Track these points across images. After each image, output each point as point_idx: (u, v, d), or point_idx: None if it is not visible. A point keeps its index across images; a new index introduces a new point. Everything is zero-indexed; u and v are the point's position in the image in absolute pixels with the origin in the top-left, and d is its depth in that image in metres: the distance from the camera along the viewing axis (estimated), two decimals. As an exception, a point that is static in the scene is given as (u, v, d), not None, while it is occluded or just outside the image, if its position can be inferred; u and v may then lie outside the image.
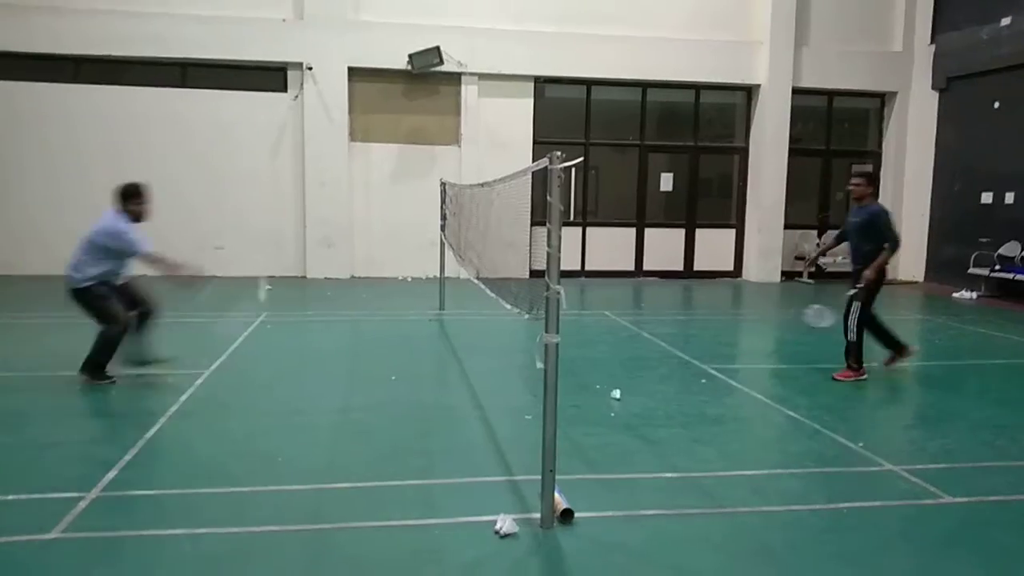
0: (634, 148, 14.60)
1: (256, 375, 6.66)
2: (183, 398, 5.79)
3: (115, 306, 6.15)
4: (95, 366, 6.11)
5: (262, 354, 7.46)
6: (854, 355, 6.78)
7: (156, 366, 6.38)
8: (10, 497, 3.93)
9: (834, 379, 6.73)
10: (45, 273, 12.47)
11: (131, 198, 6.24)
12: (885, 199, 15.11)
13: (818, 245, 6.93)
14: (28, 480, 4.17)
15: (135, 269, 6.44)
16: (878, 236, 6.65)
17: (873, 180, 7.05)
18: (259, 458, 4.62)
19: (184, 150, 12.99)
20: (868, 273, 6.58)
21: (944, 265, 14.07)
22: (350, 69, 13.10)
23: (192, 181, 13.01)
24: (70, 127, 12.69)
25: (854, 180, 7.02)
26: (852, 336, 6.77)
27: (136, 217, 6.30)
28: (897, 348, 7.04)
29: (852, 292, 6.74)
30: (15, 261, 12.54)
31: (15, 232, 12.65)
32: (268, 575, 3.24)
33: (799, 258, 14.90)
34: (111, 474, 4.24)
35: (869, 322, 6.90)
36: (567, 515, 3.75)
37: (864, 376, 6.76)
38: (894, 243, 6.67)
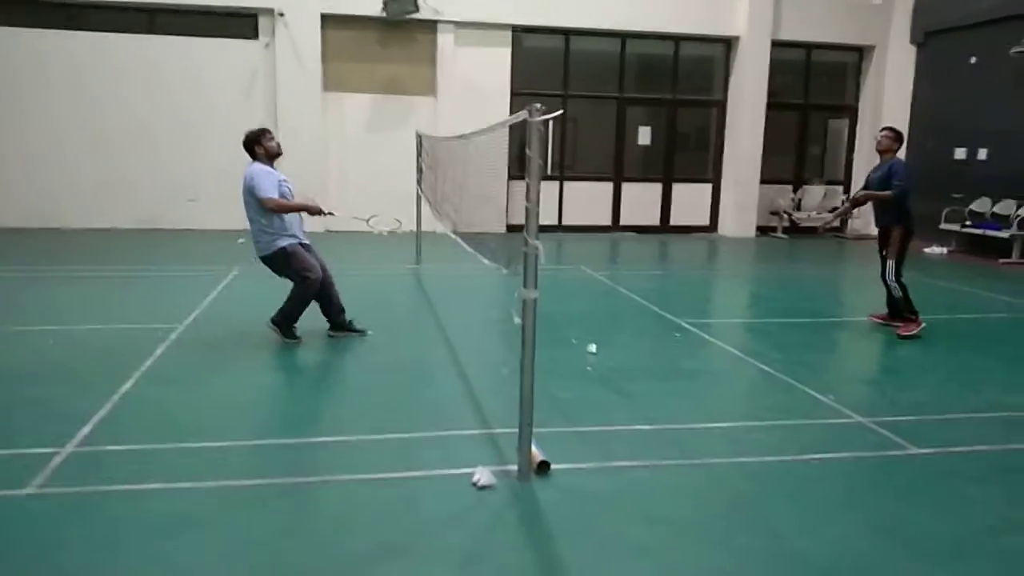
0: (612, 101, 14.47)
1: (231, 329, 6.60)
2: (158, 352, 5.74)
3: (307, 261, 6.07)
4: (286, 321, 6.09)
5: (236, 308, 7.39)
6: (907, 307, 6.87)
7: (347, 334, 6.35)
8: (-17, 452, 3.90)
9: (900, 336, 6.77)
10: (14, 226, 12.22)
11: (254, 143, 6.12)
12: (860, 154, 15.26)
13: (844, 202, 7.04)
14: (1, 437, 4.13)
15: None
16: (891, 185, 6.76)
17: (900, 137, 7.06)
18: (236, 413, 4.62)
19: (153, 98, 12.66)
20: (857, 194, 6.93)
21: (916, 220, 14.21)
22: (323, 16, 12.77)
23: (162, 131, 12.72)
24: (36, 74, 12.30)
25: (882, 132, 7.04)
26: (897, 292, 6.87)
27: (270, 156, 6.15)
28: (901, 315, 6.96)
29: (883, 253, 6.97)
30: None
31: (-21, 183, 12.34)
32: (247, 527, 3.26)
33: (774, 213, 15.00)
34: (85, 429, 4.22)
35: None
36: (544, 467, 3.80)
37: (923, 325, 6.81)
38: (900, 189, 6.71)
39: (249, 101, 12.95)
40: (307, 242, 6.25)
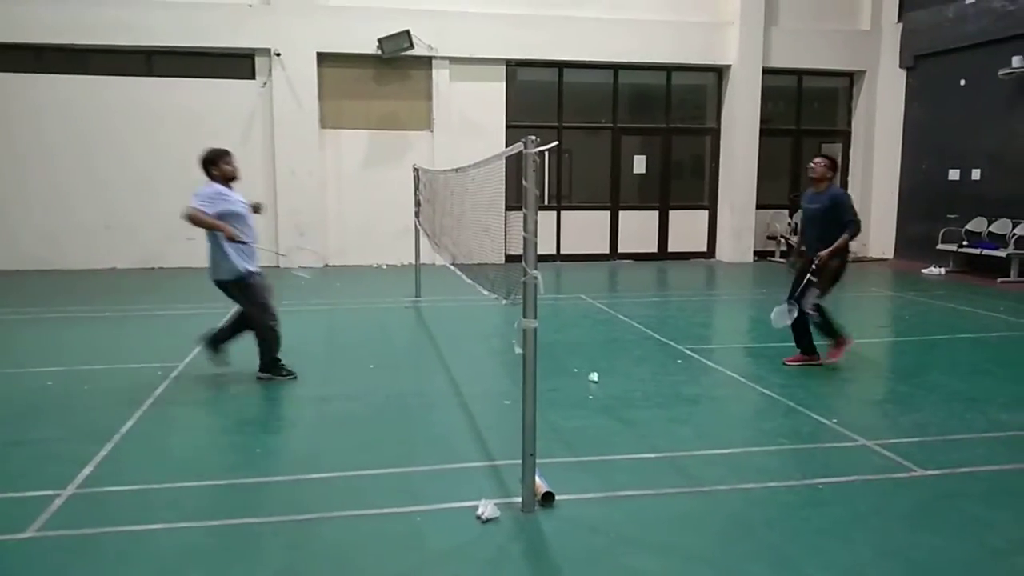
0: (607, 131, 14.61)
1: (231, 367, 6.59)
2: (158, 391, 5.73)
3: (263, 294, 6.03)
4: (272, 364, 6.07)
5: (238, 345, 7.37)
6: (829, 331, 6.59)
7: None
8: (-17, 497, 3.87)
9: (828, 360, 6.53)
10: (11, 268, 12.25)
11: (211, 163, 6.08)
12: (855, 177, 15.35)
13: (810, 274, 6.40)
14: (4, 480, 4.10)
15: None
16: (840, 221, 6.34)
17: (835, 166, 6.60)
18: (236, 450, 4.59)
19: (151, 140, 12.76)
20: (824, 254, 6.29)
21: (913, 241, 14.29)
22: (319, 55, 12.94)
23: (160, 171, 12.77)
24: (33, 118, 12.42)
25: (816, 160, 6.57)
26: (816, 319, 6.50)
27: (226, 178, 6.09)
28: (837, 338, 6.64)
29: (813, 280, 6.35)
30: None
31: (-21, 226, 12.39)
32: (249, 567, 3.23)
33: (771, 238, 15.06)
34: (86, 470, 4.19)
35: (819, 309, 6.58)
36: (548, 498, 3.77)
37: (852, 342, 6.57)
38: (856, 226, 6.37)
39: (247, 140, 13.06)
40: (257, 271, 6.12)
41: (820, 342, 6.67)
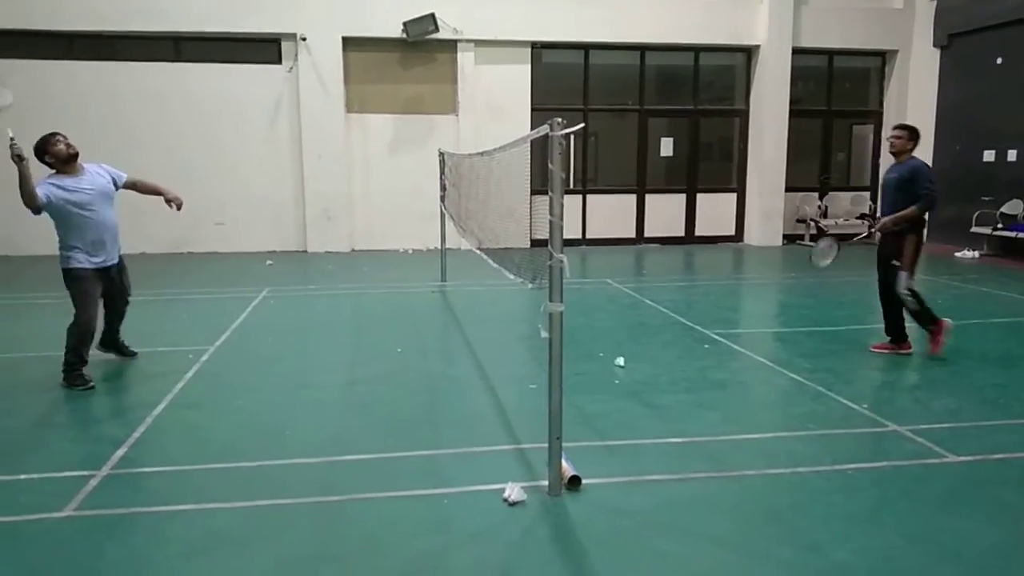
0: (633, 113, 14.47)
1: (261, 350, 6.67)
2: (189, 374, 5.81)
3: (86, 295, 5.61)
4: (69, 368, 5.56)
5: (266, 329, 7.47)
6: (926, 318, 6.33)
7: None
8: (22, 477, 3.97)
9: (933, 353, 6.27)
10: (35, 254, 12.47)
11: (42, 153, 5.51)
12: (887, 159, 15.07)
13: (869, 227, 6.16)
14: (40, 460, 4.20)
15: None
16: (916, 192, 6.12)
17: (916, 134, 6.37)
18: (267, 432, 4.65)
19: (179, 127, 12.89)
20: (885, 220, 6.18)
21: (946, 224, 14.00)
22: (344, 39, 12.95)
23: (189, 157, 12.92)
24: (65, 103, 12.56)
25: (894, 132, 6.38)
26: (912, 305, 6.30)
27: (60, 160, 5.51)
28: (934, 326, 6.36)
29: (896, 263, 6.24)
30: (20, 242, 12.50)
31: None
32: (279, 547, 3.28)
33: (800, 221, 14.87)
34: (120, 451, 4.28)
35: (887, 298, 6.48)
36: (575, 482, 3.78)
37: (948, 326, 6.27)
38: (928, 200, 6.10)
39: (274, 125, 13.15)
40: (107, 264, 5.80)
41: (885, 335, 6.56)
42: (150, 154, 12.82)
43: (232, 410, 5.11)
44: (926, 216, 6.44)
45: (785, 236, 14.66)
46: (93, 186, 5.65)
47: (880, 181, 6.73)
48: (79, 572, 3.08)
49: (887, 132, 14.91)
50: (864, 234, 6.61)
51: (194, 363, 6.13)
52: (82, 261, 5.58)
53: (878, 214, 6.37)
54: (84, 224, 5.55)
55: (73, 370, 5.53)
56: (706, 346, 6.74)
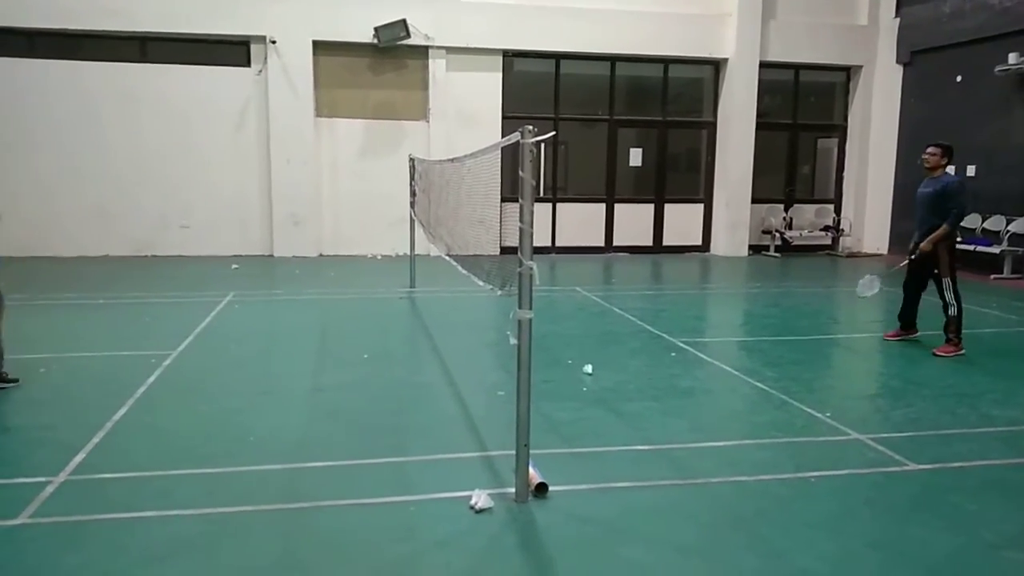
0: (603, 123, 14.58)
1: (226, 355, 6.58)
2: (151, 379, 5.71)
3: None
4: None
5: (231, 334, 7.36)
6: (957, 327, 6.85)
7: None
8: (-26, 483, 3.86)
9: (935, 354, 6.77)
10: (7, 254, 12.17)
11: None
12: (850, 172, 15.38)
13: (910, 254, 7.04)
14: (-7, 465, 4.09)
15: None
16: (946, 208, 6.74)
17: (949, 151, 7.00)
18: (230, 438, 4.58)
19: (146, 128, 12.69)
20: (923, 246, 6.83)
21: (907, 237, 14.17)
22: (315, 43, 12.87)
23: (155, 159, 12.74)
24: (24, 103, 12.31)
25: (929, 150, 6.99)
26: (954, 312, 6.84)
27: None
28: (958, 338, 6.89)
29: (935, 272, 6.91)
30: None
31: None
32: (242, 555, 3.23)
33: (766, 232, 15.08)
34: (78, 457, 4.18)
35: (911, 292, 7.20)
36: (541, 489, 3.77)
37: (962, 352, 6.80)
38: (956, 217, 6.74)
39: (242, 128, 13.01)
40: None
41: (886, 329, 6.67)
42: (113, 157, 12.62)
43: (196, 415, 5.02)
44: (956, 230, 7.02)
45: (751, 247, 14.86)
46: None
47: (915, 195, 7.28)
48: (33, 581, 3.00)
49: (851, 146, 15.37)
50: (905, 262, 7.27)
51: (156, 367, 6.02)
52: None
53: (915, 228, 7.16)
54: None
55: None
56: (673, 354, 6.79)
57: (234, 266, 11.82)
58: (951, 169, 6.97)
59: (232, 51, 12.92)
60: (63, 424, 4.75)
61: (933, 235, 6.79)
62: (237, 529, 3.44)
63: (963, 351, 6.82)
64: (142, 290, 9.60)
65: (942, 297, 6.96)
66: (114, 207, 12.73)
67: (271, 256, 13.09)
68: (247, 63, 12.94)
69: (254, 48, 12.88)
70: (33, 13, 12.01)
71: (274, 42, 12.64)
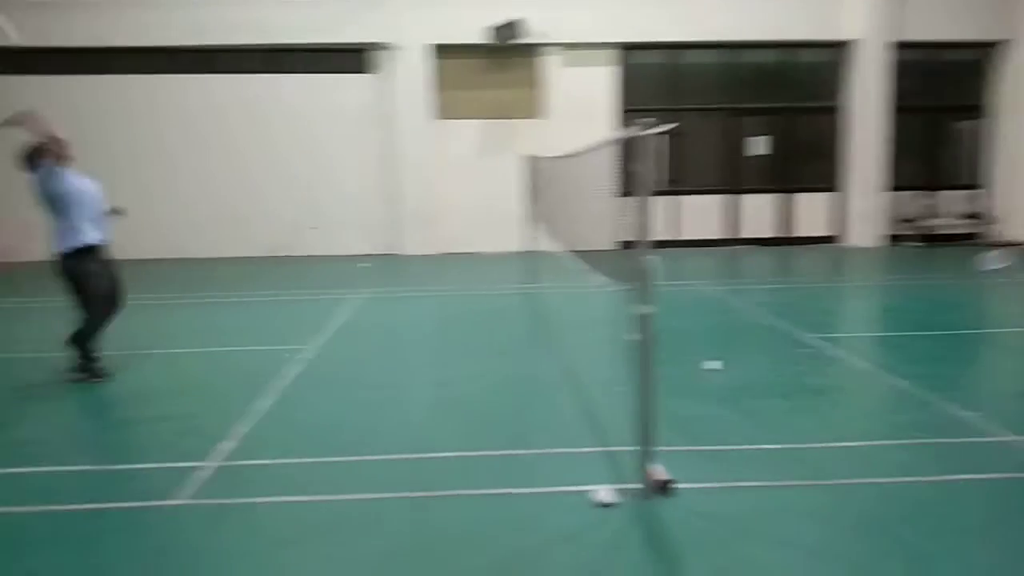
0: (725, 112, 14.17)
1: (359, 351, 6.87)
2: (293, 373, 6.04)
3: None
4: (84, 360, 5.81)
5: (363, 330, 7.68)
6: None
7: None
8: (138, 466, 4.22)
9: None
10: (155, 257, 13.23)
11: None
12: (1002, 155, 14.23)
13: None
14: (155, 451, 4.48)
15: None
16: None
17: None
18: (361, 429, 4.78)
19: (272, 137, 13.49)
20: None
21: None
22: (432, 47, 13.21)
23: (284, 166, 13.50)
24: (158, 117, 13.33)
25: None
26: None
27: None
28: None
29: None
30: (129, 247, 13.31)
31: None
32: (372, 541, 3.36)
33: (906, 221, 14.20)
34: (230, 444, 4.49)
35: None
36: (666, 486, 3.72)
37: None
38: None
39: (364, 133, 13.54)
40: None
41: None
42: (243, 167, 13.45)
43: (327, 406, 5.27)
44: None
45: (891, 237, 14.05)
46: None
47: None
48: (193, 556, 3.26)
49: (1003, 127, 14.21)
50: None
51: (292, 362, 6.36)
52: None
53: None
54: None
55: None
56: (802, 350, 6.53)
57: (361, 264, 12.32)
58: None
59: (353, 58, 13.47)
60: (214, 414, 5.11)
61: None
62: (365, 515, 3.59)
63: None
64: (279, 289, 10.17)
65: None
66: (247, 211, 13.57)
67: (397, 254, 13.55)
68: (368, 69, 13.45)
69: (375, 54, 13.36)
70: (173, 31, 12.96)
71: (393, 48, 13.05)
